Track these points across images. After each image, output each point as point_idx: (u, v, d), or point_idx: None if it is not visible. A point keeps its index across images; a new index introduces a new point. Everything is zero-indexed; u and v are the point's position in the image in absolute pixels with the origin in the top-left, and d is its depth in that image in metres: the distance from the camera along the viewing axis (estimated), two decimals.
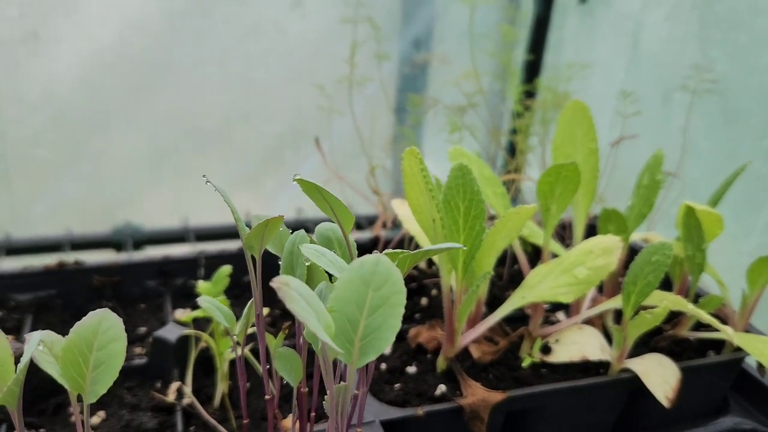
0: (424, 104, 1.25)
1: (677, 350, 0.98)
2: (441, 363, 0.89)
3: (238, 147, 1.85)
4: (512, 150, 1.31)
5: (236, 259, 1.12)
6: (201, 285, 0.89)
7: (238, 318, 0.65)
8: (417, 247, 1.22)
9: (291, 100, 1.84)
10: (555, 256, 0.96)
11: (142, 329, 1.01)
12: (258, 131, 1.84)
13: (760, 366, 0.96)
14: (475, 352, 0.90)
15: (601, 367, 0.91)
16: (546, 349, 0.90)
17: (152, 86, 1.73)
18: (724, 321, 0.99)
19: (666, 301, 0.82)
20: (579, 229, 0.97)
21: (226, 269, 0.89)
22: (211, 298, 0.62)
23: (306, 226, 1.78)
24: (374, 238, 1.21)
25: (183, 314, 1.01)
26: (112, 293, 1.07)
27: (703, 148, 1.37)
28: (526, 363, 0.87)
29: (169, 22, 1.70)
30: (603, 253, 0.88)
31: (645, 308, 0.84)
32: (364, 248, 1.22)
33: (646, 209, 0.98)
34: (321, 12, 1.80)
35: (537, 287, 0.88)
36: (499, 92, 1.70)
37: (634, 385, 0.88)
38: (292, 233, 0.62)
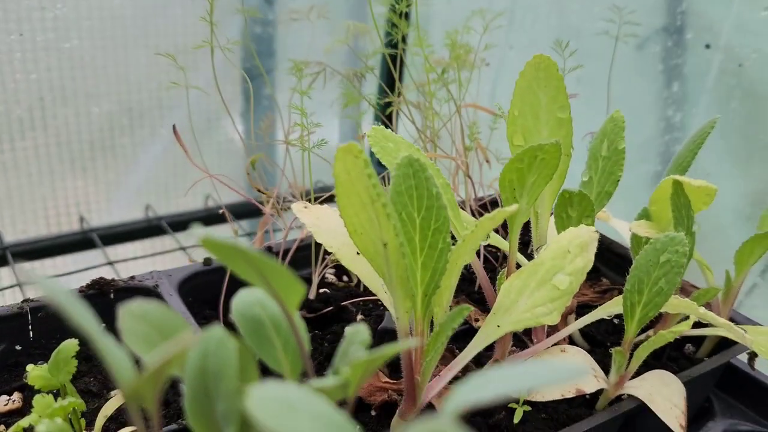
0: (308, 69, 0.98)
1: (657, 350, 0.82)
2: (398, 428, 0.65)
3: (60, 134, 1.46)
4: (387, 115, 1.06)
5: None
6: (32, 372, 0.58)
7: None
8: (340, 269, 0.97)
9: (120, 72, 1.48)
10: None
11: None
12: (84, 113, 1.47)
13: (752, 357, 0.83)
14: (441, 405, 0.67)
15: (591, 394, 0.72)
16: None
17: None
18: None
19: (680, 307, 0.64)
20: (544, 222, 0.77)
21: (70, 347, 0.58)
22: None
23: (159, 226, 1.46)
24: (265, 250, 0.93)
25: (7, 405, 0.69)
26: None
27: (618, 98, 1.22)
28: (518, 416, 0.66)
29: None
30: (580, 250, 0.69)
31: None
32: None
33: (611, 186, 0.80)
34: None
35: (513, 310, 0.66)
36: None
37: (629, 411, 0.70)
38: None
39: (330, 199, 0.94)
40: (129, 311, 0.32)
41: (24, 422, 0.55)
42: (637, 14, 1.26)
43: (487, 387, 0.26)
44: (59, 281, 0.28)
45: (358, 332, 0.38)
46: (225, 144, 1.67)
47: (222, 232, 1.51)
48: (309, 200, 0.87)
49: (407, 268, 0.54)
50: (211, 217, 1.53)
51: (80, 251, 1.45)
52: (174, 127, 0.85)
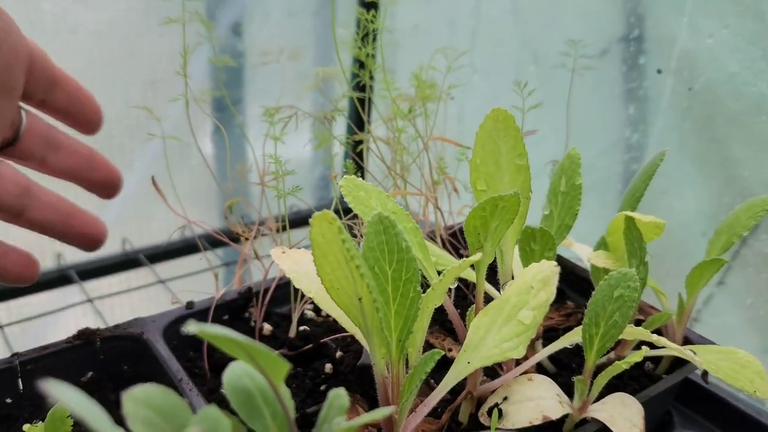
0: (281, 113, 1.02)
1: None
2: None
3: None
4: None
5: (69, 356, 0.84)
6: None
7: None
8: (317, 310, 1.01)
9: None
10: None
11: None
12: None
13: (705, 373, 0.88)
14: None
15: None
16: (496, 413, 0.74)
17: None
18: (660, 331, 0.89)
19: (635, 335, 0.70)
20: (509, 259, 0.82)
21: (64, 407, 0.61)
22: None
23: (136, 259, 1.48)
24: (245, 290, 0.97)
25: None
26: None
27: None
28: None
29: None
30: (543, 285, 0.74)
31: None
32: (234, 306, 0.98)
33: (570, 220, 0.85)
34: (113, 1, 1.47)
35: (482, 346, 0.71)
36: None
37: None
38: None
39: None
40: (132, 397, 0.36)
41: None
42: (594, 43, 1.33)
43: None
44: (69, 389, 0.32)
45: (338, 397, 0.43)
46: (197, 167, 1.70)
47: (197, 262, 1.51)
48: (284, 226, 0.91)
49: (381, 319, 0.59)
50: (187, 248, 1.56)
51: (58, 288, 1.47)
52: (153, 178, 0.88)
